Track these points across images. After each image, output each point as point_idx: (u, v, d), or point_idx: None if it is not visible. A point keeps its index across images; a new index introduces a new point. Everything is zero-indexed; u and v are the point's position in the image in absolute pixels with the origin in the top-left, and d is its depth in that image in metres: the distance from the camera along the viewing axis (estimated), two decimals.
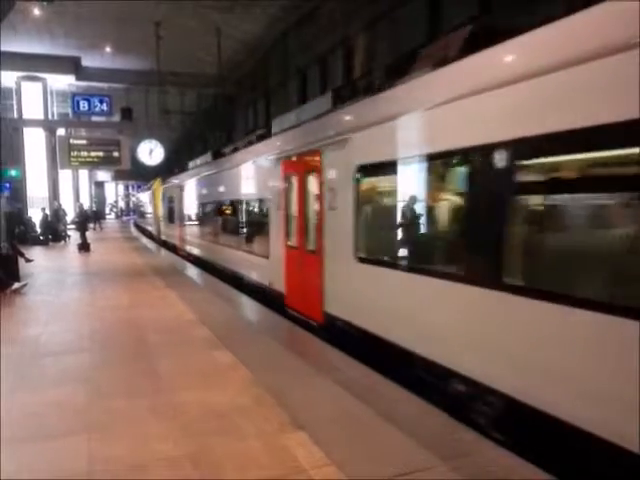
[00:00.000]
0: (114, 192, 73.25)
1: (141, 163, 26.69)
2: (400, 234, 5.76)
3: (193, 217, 17.59)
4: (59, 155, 25.26)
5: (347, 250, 6.34)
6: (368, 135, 5.99)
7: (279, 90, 20.00)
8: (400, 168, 5.48)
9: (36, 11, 17.61)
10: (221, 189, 13.63)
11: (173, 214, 21.31)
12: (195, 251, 17.15)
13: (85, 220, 21.33)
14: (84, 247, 19.60)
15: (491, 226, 4.10)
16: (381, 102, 5.95)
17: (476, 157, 4.30)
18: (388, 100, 5.80)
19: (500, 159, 4.00)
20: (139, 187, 61.52)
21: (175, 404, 4.45)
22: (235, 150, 13.13)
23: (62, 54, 23.60)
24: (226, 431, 3.90)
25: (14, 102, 26.03)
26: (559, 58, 3.52)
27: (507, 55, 4.14)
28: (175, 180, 21.18)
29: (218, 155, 15.03)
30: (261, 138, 11.08)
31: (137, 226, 41.68)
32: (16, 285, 10.54)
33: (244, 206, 11.54)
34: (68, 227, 26.11)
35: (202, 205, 16.08)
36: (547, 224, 3.98)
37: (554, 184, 3.77)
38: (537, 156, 3.84)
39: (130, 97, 26.51)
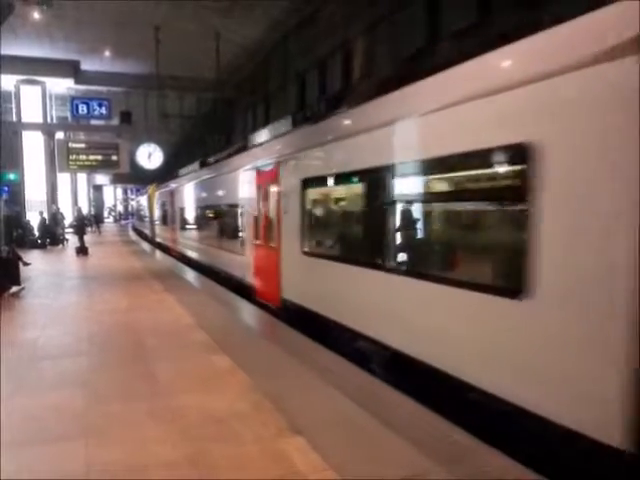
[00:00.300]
0: (112, 196, 73.25)
1: (140, 167, 26.69)
2: (327, 232, 7.63)
3: (183, 220, 18.98)
4: (58, 158, 25.27)
5: (296, 246, 7.86)
6: (309, 155, 7.66)
7: (278, 94, 20.04)
8: (328, 182, 7.06)
9: (36, 15, 17.62)
10: (205, 195, 15.39)
11: (166, 217, 22.97)
12: (185, 251, 18.44)
13: (83, 224, 21.31)
14: (82, 251, 19.57)
15: (378, 226, 5.73)
16: (316, 130, 7.62)
17: (367, 176, 6.00)
18: (319, 129, 7.50)
19: (377, 178, 5.71)
20: (138, 191, 61.55)
21: (173, 408, 4.43)
22: (217, 161, 14.99)
23: (61, 58, 23.62)
24: (224, 436, 3.88)
25: (13, 105, 26.04)
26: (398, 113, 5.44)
27: (382, 106, 5.84)
28: (167, 186, 22.77)
29: (204, 164, 16.84)
30: (238, 151, 12.82)
31: (135, 229, 42.25)
32: (14, 289, 10.52)
33: (225, 210, 13.03)
34: (66, 231, 26.09)
35: (190, 209, 17.61)
36: (411, 225, 5.58)
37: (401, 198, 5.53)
38: (400, 176, 5.45)
39: (129, 101, 26.52)
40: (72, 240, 23.97)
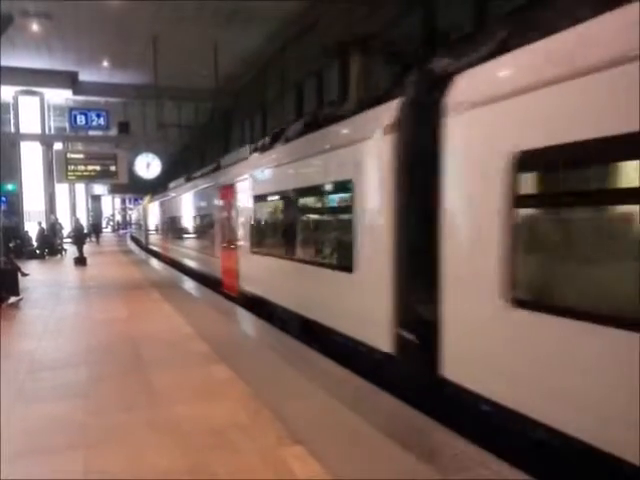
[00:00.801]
0: (111, 205, 73.27)
1: (138, 177, 26.74)
2: (262, 235, 9.79)
3: (170, 228, 21.70)
4: (56, 169, 25.31)
5: (247, 246, 10.41)
6: (256, 177, 9.97)
7: (276, 104, 20.14)
8: (268, 198, 9.33)
9: (34, 26, 17.74)
10: (187, 206, 17.95)
11: (156, 226, 26.11)
12: (172, 254, 21.01)
13: (82, 234, 21.33)
14: (80, 261, 19.57)
15: (290, 230, 8.15)
16: (258, 159, 10.25)
17: (282, 196, 8.60)
18: (260, 158, 10.13)
19: (288, 199, 8.32)
20: (136, 200, 61.60)
21: (172, 418, 4.43)
22: (194, 178, 18.17)
23: (60, 69, 23.72)
24: (223, 445, 3.88)
25: (11, 116, 26.13)
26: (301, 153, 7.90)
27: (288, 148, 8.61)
28: (158, 198, 25.82)
29: (188, 180, 19.60)
30: (212, 171, 15.61)
31: (133, 237, 43.03)
32: (12, 299, 10.51)
33: (204, 219, 15.25)
34: (64, 241, 26.10)
35: (175, 218, 20.26)
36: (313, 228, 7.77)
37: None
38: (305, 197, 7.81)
39: (127, 111, 26.63)
40: (70, 250, 23.98)
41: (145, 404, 4.81)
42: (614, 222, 3.42)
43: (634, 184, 3.03)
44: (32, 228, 24.23)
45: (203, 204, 15.34)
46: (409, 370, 5.07)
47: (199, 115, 28.60)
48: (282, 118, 18.93)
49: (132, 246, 34.29)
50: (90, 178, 27.05)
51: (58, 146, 28.13)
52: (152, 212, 27.70)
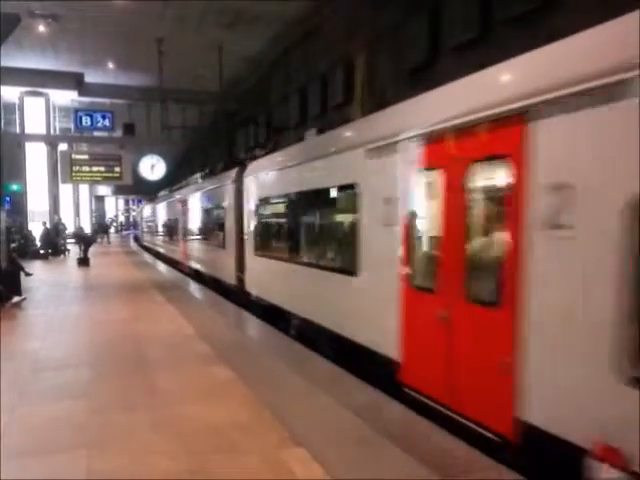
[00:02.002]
0: (114, 206, 73.42)
1: (142, 178, 26.80)
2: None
3: (159, 228, 27.20)
4: (61, 170, 25.38)
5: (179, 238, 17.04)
6: (199, 195, 16.35)
7: (280, 106, 20.16)
8: (192, 210, 16.91)
9: (41, 27, 17.83)
10: (172, 211, 22.13)
11: (150, 225, 32.33)
12: (159, 249, 26.53)
13: (86, 235, 21.42)
14: (84, 262, 19.63)
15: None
16: (204, 182, 16.61)
17: (200, 210, 16.57)
18: (203, 184, 16.54)
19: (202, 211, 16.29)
20: (140, 202, 61.70)
21: (174, 419, 4.44)
22: (179, 188, 22.66)
23: (65, 70, 23.82)
24: (225, 447, 3.89)
25: (17, 117, 26.23)
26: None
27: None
28: (152, 202, 32.19)
29: (172, 189, 25.12)
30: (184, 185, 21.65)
31: (135, 238, 44.83)
32: (15, 299, 10.55)
33: (190, 224, 18.36)
34: (68, 241, 26.18)
35: (163, 220, 25.50)
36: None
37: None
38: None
39: (132, 112, 26.69)
40: (73, 250, 24.05)
41: (147, 405, 4.82)
42: None
43: None
44: (36, 228, 24.31)
45: (173, 210, 21.75)
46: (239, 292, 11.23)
47: (203, 117, 28.65)
48: (286, 121, 18.95)
49: (135, 247, 34.36)
50: (94, 180, 27.13)
51: (63, 147, 28.23)
52: (148, 215, 33.93)
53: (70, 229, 28.52)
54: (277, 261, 9.14)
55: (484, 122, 4.07)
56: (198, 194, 16.65)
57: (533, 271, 3.59)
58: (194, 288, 13.55)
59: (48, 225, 24.74)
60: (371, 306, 5.88)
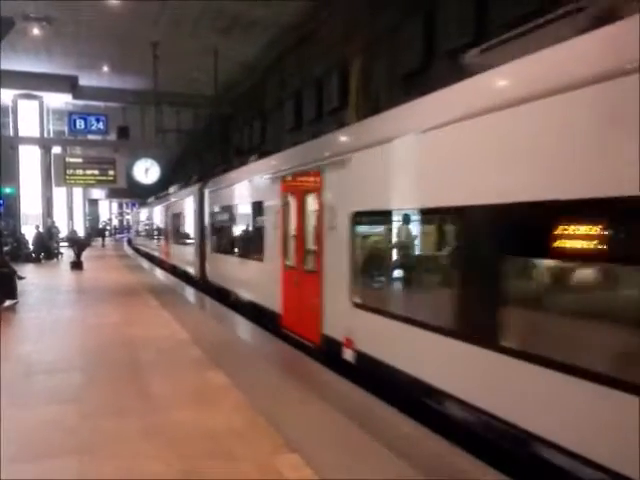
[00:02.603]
0: (108, 210, 73.14)
1: (136, 181, 26.75)
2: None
3: (146, 231, 31.82)
4: (54, 173, 25.27)
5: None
6: (172, 204, 20.18)
7: (275, 111, 20.19)
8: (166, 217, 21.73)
9: (35, 31, 17.78)
10: (156, 216, 26.18)
11: (138, 229, 37.99)
12: (147, 250, 29.44)
13: (77, 238, 21.31)
14: (77, 265, 19.53)
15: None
16: (178, 192, 20.19)
17: (169, 217, 21.65)
18: (178, 193, 20.13)
19: (168, 217, 21.39)
20: (134, 205, 61.49)
21: (167, 425, 4.41)
22: (162, 196, 25.87)
23: (60, 73, 23.77)
24: (218, 453, 3.86)
25: (10, 120, 26.13)
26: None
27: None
28: (142, 208, 37.72)
29: (157, 197, 28.31)
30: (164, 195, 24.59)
31: (129, 241, 45.35)
32: (7, 302, 10.47)
33: (168, 227, 21.62)
34: (61, 245, 26.05)
35: (149, 224, 29.80)
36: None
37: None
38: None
39: (126, 116, 26.66)
40: (67, 254, 23.92)
41: (140, 410, 4.78)
42: None
43: None
44: (29, 231, 24.17)
45: (157, 216, 25.96)
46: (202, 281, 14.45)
47: (198, 121, 28.66)
48: (281, 125, 18.97)
49: (129, 251, 34.26)
50: (88, 183, 27.02)
51: (57, 150, 28.13)
52: (138, 219, 38.86)
53: (64, 232, 28.39)
54: (223, 255, 12.66)
55: (308, 171, 7.44)
56: (173, 202, 20.44)
57: (326, 252, 6.72)
58: (188, 292, 13.50)
59: (41, 228, 24.61)
60: (268, 281, 8.85)
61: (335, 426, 4.34)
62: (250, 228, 10.49)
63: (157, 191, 31.11)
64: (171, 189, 22.23)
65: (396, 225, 5.52)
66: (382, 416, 4.59)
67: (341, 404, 4.82)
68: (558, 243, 3.42)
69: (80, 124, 25.36)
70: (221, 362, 6.33)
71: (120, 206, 76.38)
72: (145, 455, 3.83)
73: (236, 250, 11.46)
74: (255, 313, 9.52)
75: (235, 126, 26.19)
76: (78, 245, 20.96)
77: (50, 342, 7.65)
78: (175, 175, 39.07)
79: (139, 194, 44.82)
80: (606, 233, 3.19)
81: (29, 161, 26.20)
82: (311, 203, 7.33)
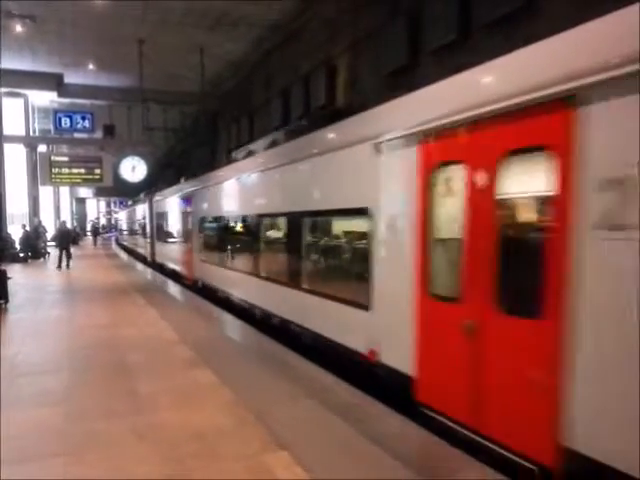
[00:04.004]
0: (96, 208, 72.61)
1: (123, 180, 26.51)
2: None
3: (126, 229, 38.73)
4: (40, 172, 24.99)
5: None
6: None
7: (262, 108, 20.13)
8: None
9: (18, 28, 17.55)
10: (130, 217, 33.87)
11: (121, 228, 45.47)
12: (125, 243, 37.13)
13: (66, 237, 21.05)
14: (65, 265, 19.38)
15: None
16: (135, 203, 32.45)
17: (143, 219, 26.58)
18: (134, 204, 33.03)
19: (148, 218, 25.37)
20: (122, 203, 61.08)
21: (155, 425, 4.40)
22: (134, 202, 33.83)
23: (45, 70, 23.49)
24: (207, 452, 3.86)
25: None
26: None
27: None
28: (121, 212, 47.92)
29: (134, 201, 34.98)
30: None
31: (117, 240, 46.32)
32: None
33: (135, 226, 29.07)
34: (48, 244, 25.81)
35: (127, 223, 36.91)
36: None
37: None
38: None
39: (113, 113, 26.41)
40: (54, 254, 23.71)
41: (127, 410, 4.77)
42: None
43: None
44: (15, 231, 23.91)
45: (130, 217, 34.53)
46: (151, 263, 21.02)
47: (185, 118, 28.49)
48: (269, 122, 18.92)
49: (117, 250, 34.08)
50: (74, 182, 26.76)
51: (42, 148, 27.82)
52: (124, 219, 42.83)
53: (52, 232, 28.11)
54: (162, 243, 19.86)
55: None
56: (136, 207, 29.70)
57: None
58: (176, 291, 13.45)
59: (28, 228, 24.37)
60: (179, 253, 14.54)
61: (324, 423, 4.36)
62: (171, 225, 17.92)
63: (144, 189, 31.02)
64: (141, 195, 29.17)
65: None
66: (371, 412, 4.62)
67: (330, 401, 4.84)
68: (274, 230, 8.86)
69: (65, 122, 25.07)
70: (210, 361, 6.33)
71: (108, 205, 75.85)
72: (133, 456, 3.82)
73: (168, 239, 18.36)
74: (172, 274, 17.00)
75: (222, 123, 26.07)
76: (62, 243, 20.55)
77: (37, 343, 7.58)
78: (163, 173, 38.86)
79: (126, 192, 44.55)
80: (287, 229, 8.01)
81: (15, 160, 25.88)
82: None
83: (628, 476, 2.91)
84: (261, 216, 9.08)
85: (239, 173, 10.28)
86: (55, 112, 25.45)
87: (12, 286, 13.10)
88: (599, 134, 3.13)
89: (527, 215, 4.09)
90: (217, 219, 12.04)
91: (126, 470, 3.61)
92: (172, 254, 17.45)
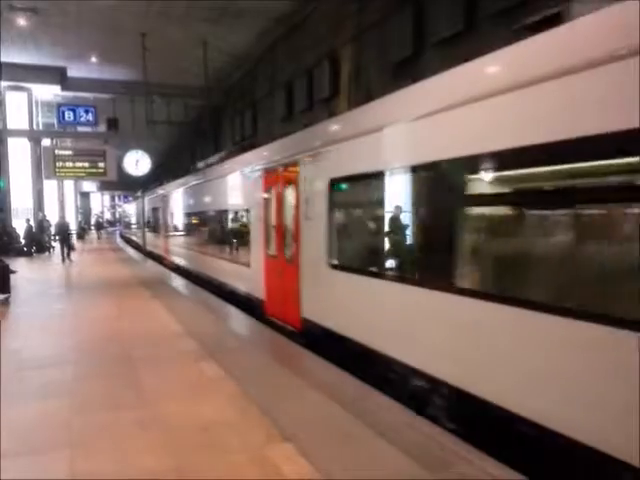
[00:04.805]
0: (100, 202, 72.75)
1: (127, 173, 26.52)
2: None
3: (128, 223, 41.45)
4: (44, 166, 24.99)
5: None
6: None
7: (266, 101, 20.06)
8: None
9: (22, 21, 17.51)
10: (130, 211, 39.10)
11: (123, 222, 49.79)
12: (127, 235, 40.31)
13: (67, 232, 21.11)
14: (69, 258, 19.44)
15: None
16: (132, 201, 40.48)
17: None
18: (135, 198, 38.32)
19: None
20: (126, 197, 61.19)
21: (160, 417, 4.41)
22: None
23: (48, 64, 23.45)
24: (212, 444, 3.87)
25: None
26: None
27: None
28: (126, 205, 51.69)
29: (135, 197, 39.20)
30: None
31: (121, 234, 46.98)
32: (0, 297, 10.41)
33: (133, 219, 35.38)
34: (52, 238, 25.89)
35: (129, 218, 40.18)
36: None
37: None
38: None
39: (116, 107, 26.37)
40: (58, 247, 23.78)
41: (133, 402, 4.78)
42: None
43: None
44: (20, 225, 23.98)
45: (131, 211, 38.24)
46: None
47: (189, 112, 28.43)
48: (273, 116, 18.87)
49: (122, 244, 34.17)
50: (78, 176, 26.76)
51: (46, 142, 27.82)
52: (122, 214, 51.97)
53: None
54: (152, 234, 23.66)
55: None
56: (136, 203, 33.65)
57: None
58: (180, 284, 13.47)
59: (32, 222, 24.43)
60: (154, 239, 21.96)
61: (329, 415, 4.36)
62: (155, 219, 22.73)
63: (148, 183, 31.22)
64: (138, 193, 34.35)
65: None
66: (376, 405, 4.62)
67: (334, 393, 4.84)
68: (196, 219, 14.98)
69: (69, 116, 25.05)
70: (214, 353, 6.34)
71: (112, 199, 76.01)
72: (138, 448, 3.83)
73: (158, 234, 21.59)
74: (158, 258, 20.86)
75: (226, 117, 26.01)
76: (64, 237, 20.63)
77: (42, 336, 7.62)
78: (167, 166, 38.87)
79: (130, 186, 44.62)
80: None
81: (19, 154, 25.91)
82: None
83: (323, 327, 6.66)
84: (189, 214, 15.97)
85: (180, 186, 17.31)
86: (59, 106, 25.44)
87: (17, 280, 13.17)
88: (304, 179, 7.15)
89: (292, 212, 7.71)
90: (175, 215, 18.18)
91: (133, 461, 3.62)
92: (155, 242, 23.02)
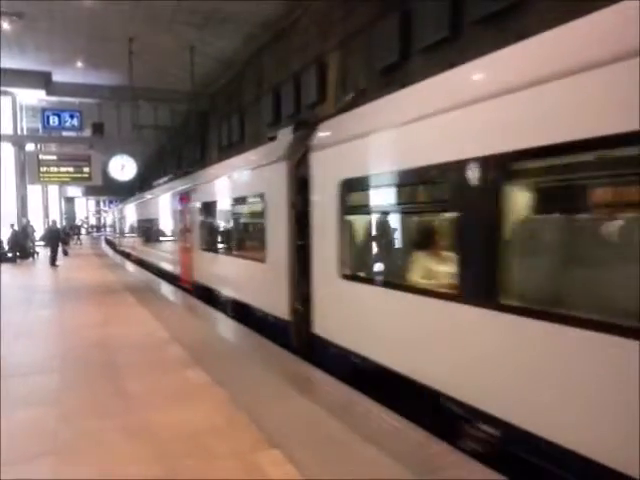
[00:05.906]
0: (85, 208, 72.07)
1: (112, 178, 26.33)
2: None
3: (112, 228, 43.72)
4: (28, 171, 24.76)
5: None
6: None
7: (253, 106, 20.05)
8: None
9: (5, 25, 17.35)
10: (114, 218, 40.20)
11: (111, 225, 48.77)
12: (110, 238, 43.28)
13: (56, 237, 20.92)
14: (53, 263, 19.24)
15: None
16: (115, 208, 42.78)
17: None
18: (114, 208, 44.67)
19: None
20: (111, 202, 60.73)
21: (147, 425, 4.37)
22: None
23: (33, 69, 23.26)
24: (199, 451, 3.84)
25: None
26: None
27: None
28: (108, 213, 56.11)
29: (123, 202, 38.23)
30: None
31: (106, 240, 45.96)
32: None
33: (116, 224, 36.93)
34: (36, 244, 25.61)
35: (112, 223, 42.75)
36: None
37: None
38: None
39: (102, 112, 26.20)
40: (42, 253, 23.54)
41: (119, 410, 4.73)
42: None
43: None
44: (4, 231, 23.69)
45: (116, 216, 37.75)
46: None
47: (175, 117, 28.34)
48: (259, 120, 18.86)
49: (107, 249, 33.89)
50: (63, 181, 26.53)
51: (30, 147, 27.54)
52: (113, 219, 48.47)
53: (40, 232, 27.88)
54: (120, 236, 30.85)
55: None
56: (115, 210, 37.69)
57: None
58: (167, 290, 13.38)
59: (16, 227, 24.15)
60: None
61: (317, 421, 4.35)
62: (127, 225, 26.87)
63: (134, 188, 31.11)
64: (118, 202, 38.47)
65: None
66: (363, 410, 4.62)
67: (322, 399, 4.83)
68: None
69: (54, 120, 24.85)
70: (201, 360, 6.30)
71: (97, 204, 75.33)
72: (124, 456, 3.79)
73: (139, 234, 22.79)
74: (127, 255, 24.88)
75: (213, 122, 25.96)
76: (51, 242, 20.44)
77: (26, 343, 7.52)
78: (153, 171, 38.63)
79: (116, 191, 44.30)
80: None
81: (3, 159, 25.62)
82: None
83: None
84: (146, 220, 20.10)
85: (142, 198, 21.46)
86: (43, 110, 25.22)
87: (1, 286, 13.00)
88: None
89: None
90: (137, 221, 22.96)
91: (119, 469, 3.58)
92: (125, 243, 27.94)
